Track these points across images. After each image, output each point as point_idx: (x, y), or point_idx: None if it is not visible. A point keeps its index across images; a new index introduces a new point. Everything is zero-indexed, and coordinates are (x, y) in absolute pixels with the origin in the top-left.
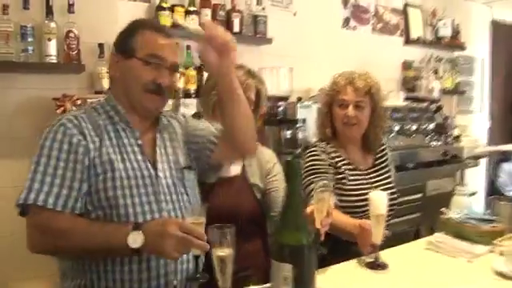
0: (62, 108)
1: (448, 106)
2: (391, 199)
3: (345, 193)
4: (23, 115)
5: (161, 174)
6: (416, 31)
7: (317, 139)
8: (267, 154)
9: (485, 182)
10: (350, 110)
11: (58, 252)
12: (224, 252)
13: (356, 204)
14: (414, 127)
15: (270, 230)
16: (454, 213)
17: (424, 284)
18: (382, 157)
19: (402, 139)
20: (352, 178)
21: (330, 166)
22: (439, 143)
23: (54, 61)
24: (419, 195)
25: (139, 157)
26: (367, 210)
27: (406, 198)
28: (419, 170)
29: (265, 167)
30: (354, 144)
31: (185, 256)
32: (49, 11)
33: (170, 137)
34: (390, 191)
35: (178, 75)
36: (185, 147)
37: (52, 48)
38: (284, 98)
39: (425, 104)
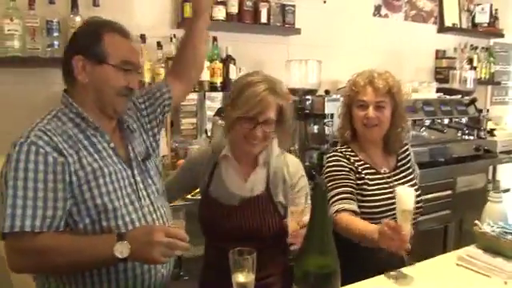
0: None
1: (482, 96)
2: (417, 202)
3: (364, 198)
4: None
5: (135, 172)
6: (451, 18)
7: (337, 142)
8: (293, 165)
9: None
10: (371, 111)
11: (42, 271)
12: (245, 278)
13: (375, 210)
14: (446, 121)
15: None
16: (487, 224)
17: None
18: (404, 158)
19: (433, 133)
20: (372, 182)
21: (350, 171)
22: (472, 137)
23: None
24: (449, 192)
25: (115, 159)
26: (387, 217)
27: (434, 195)
28: (449, 166)
29: (289, 181)
30: (375, 146)
31: None
32: (74, 5)
33: (132, 130)
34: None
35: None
36: (141, 130)
37: None
38: (312, 92)
39: (458, 96)
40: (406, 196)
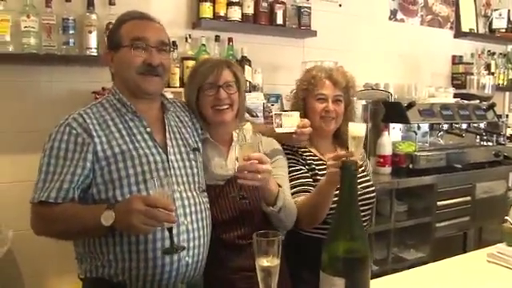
0: None
1: (500, 103)
2: (369, 192)
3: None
4: (64, 108)
5: (172, 158)
6: (468, 23)
7: None
8: (266, 140)
9: None
10: (330, 104)
11: (53, 234)
12: (270, 262)
13: None
14: (465, 126)
15: None
16: None
17: None
18: None
19: (451, 138)
20: (323, 172)
21: (302, 165)
22: (491, 143)
23: (95, 53)
24: (468, 198)
25: (150, 143)
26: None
27: (453, 201)
28: (468, 172)
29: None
30: (325, 139)
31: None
32: (90, 3)
33: (176, 121)
34: (366, 183)
35: (172, 54)
36: (194, 126)
37: (93, 40)
38: None
39: (476, 101)
40: (358, 126)
